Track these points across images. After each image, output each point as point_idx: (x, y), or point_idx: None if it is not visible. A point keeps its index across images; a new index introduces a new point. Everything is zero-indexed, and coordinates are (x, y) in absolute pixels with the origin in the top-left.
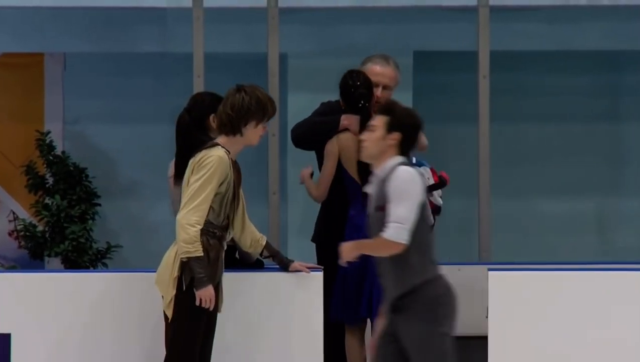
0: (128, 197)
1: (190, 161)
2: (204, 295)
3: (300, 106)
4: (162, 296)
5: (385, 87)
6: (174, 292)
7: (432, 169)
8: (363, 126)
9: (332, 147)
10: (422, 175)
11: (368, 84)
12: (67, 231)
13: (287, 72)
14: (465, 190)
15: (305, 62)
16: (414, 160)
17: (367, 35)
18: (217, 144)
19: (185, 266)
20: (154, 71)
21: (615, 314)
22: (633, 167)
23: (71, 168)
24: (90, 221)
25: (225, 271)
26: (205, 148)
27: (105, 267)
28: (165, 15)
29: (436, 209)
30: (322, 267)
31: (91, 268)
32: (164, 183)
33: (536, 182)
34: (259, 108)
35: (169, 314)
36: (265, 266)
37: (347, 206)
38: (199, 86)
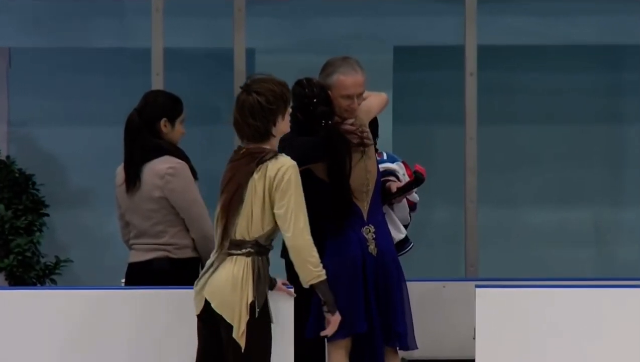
0: (79, 207)
1: (258, 177)
2: (336, 320)
3: None
4: (220, 319)
5: (359, 95)
6: (248, 318)
7: (404, 163)
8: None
9: None
10: (396, 171)
11: (326, 98)
12: (12, 244)
13: (255, 69)
14: (450, 198)
15: (275, 58)
16: (384, 155)
17: (342, 29)
18: (275, 152)
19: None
20: (109, 68)
21: (615, 335)
22: (634, 172)
23: (17, 175)
24: (37, 233)
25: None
26: (267, 159)
27: (54, 284)
28: (123, 7)
29: (413, 206)
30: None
31: (38, 285)
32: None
33: (528, 189)
34: (278, 101)
35: (242, 344)
36: None
37: (317, 219)
38: (158, 85)
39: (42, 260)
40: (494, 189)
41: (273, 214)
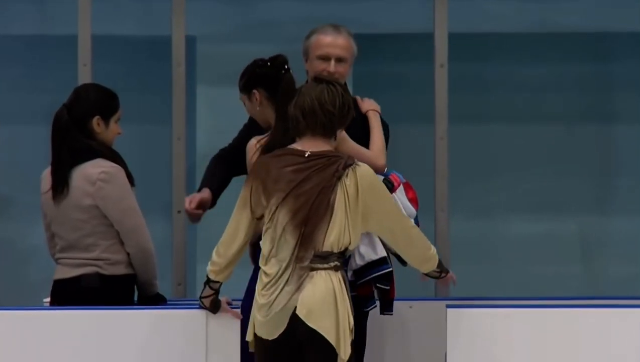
0: None
1: (350, 183)
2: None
3: (212, 102)
4: (310, 341)
5: (339, 60)
6: (351, 339)
7: (406, 184)
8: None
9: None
10: None
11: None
12: None
13: (196, 60)
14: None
15: (218, 48)
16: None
17: (294, 14)
18: (339, 155)
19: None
20: (28, 58)
21: (602, 359)
22: (626, 178)
23: None
24: None
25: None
26: (351, 163)
27: None
28: None
29: None
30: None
31: None
32: (39, 199)
33: (506, 197)
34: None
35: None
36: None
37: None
38: (85, 77)
39: None
40: (467, 197)
41: (362, 223)
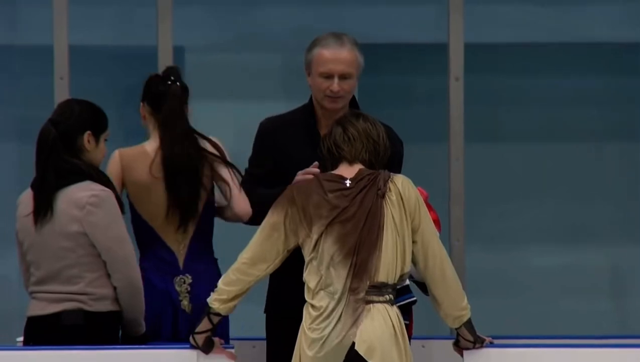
0: None
1: (395, 200)
2: None
3: (201, 116)
4: None
5: (343, 76)
6: None
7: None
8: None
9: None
10: None
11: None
12: None
13: (184, 71)
14: None
15: (209, 58)
16: None
17: (294, 22)
18: (374, 171)
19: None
20: None
21: None
22: None
23: None
24: None
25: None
26: (389, 177)
27: None
28: None
29: None
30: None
31: None
32: (9, 225)
33: (528, 224)
34: None
35: None
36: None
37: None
38: (62, 91)
39: None
40: (483, 224)
41: (412, 237)
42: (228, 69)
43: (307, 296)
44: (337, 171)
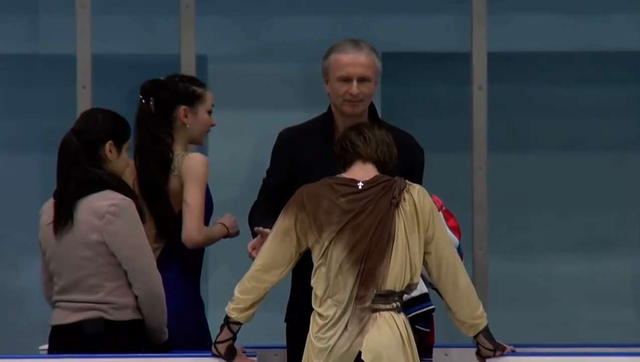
0: None
1: (409, 209)
2: None
3: (225, 128)
4: None
5: (362, 80)
6: None
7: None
8: None
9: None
10: None
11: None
12: None
13: (207, 81)
14: None
15: (232, 68)
16: None
17: (315, 31)
18: (391, 178)
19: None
20: (18, 80)
21: None
22: None
23: None
24: None
25: (139, 356)
26: (405, 186)
27: None
28: (36, 3)
29: None
30: (254, 355)
31: None
32: (31, 236)
33: (552, 233)
34: None
35: None
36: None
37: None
38: (84, 100)
39: None
40: (506, 233)
41: (424, 248)
42: (250, 78)
43: (314, 304)
44: (349, 172)
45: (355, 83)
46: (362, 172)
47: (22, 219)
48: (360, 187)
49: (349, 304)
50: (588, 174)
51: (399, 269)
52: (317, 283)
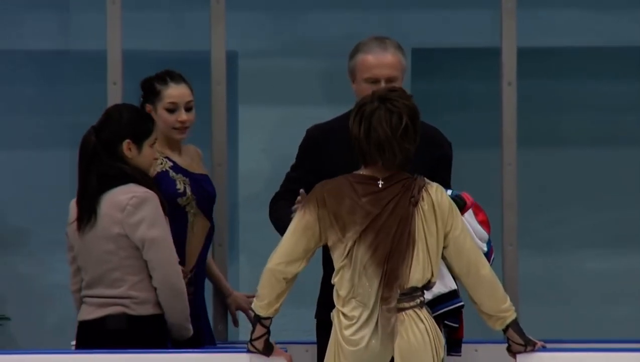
0: (16, 251)
1: (428, 208)
2: None
3: (254, 122)
4: None
5: (388, 80)
6: None
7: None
8: None
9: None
10: None
11: None
12: None
13: (237, 77)
14: None
15: (262, 64)
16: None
17: (347, 26)
18: (409, 177)
19: None
20: (50, 76)
21: None
22: None
23: None
24: None
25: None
26: (424, 184)
27: None
28: (67, 1)
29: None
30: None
31: None
32: (62, 231)
33: (582, 229)
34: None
35: None
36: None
37: None
38: (114, 96)
39: None
40: (535, 229)
41: (441, 246)
42: (281, 74)
43: (337, 303)
44: (368, 170)
45: (383, 84)
46: (381, 170)
47: (52, 216)
48: (380, 185)
49: (375, 305)
50: (618, 169)
51: (420, 266)
52: (341, 283)
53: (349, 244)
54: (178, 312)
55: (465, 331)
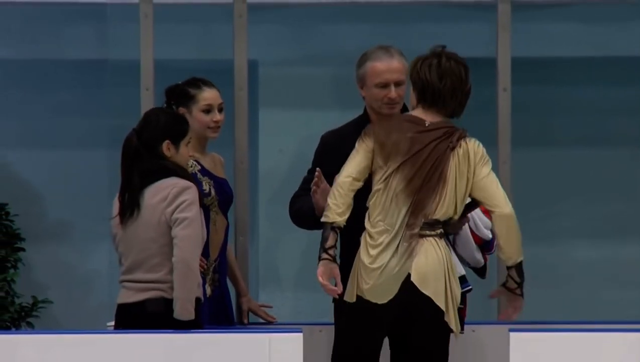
0: (58, 241)
1: (462, 155)
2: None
3: (274, 126)
4: (422, 306)
5: (397, 84)
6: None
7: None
8: None
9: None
10: None
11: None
12: None
13: (258, 84)
14: None
15: (281, 71)
16: None
17: (357, 38)
18: (453, 126)
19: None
20: (89, 83)
21: None
22: None
23: None
24: (12, 270)
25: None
26: (464, 136)
27: (31, 328)
28: (104, 13)
29: (484, 245)
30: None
31: (13, 329)
32: (100, 224)
33: (572, 222)
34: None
35: (456, 328)
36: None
37: None
38: (147, 101)
39: (18, 301)
40: (531, 222)
41: (469, 191)
42: (297, 81)
43: (367, 223)
44: (418, 112)
45: (392, 88)
46: (430, 115)
47: (91, 209)
48: (426, 125)
49: (400, 229)
50: (605, 168)
51: (445, 204)
52: (374, 205)
53: (389, 171)
54: (185, 289)
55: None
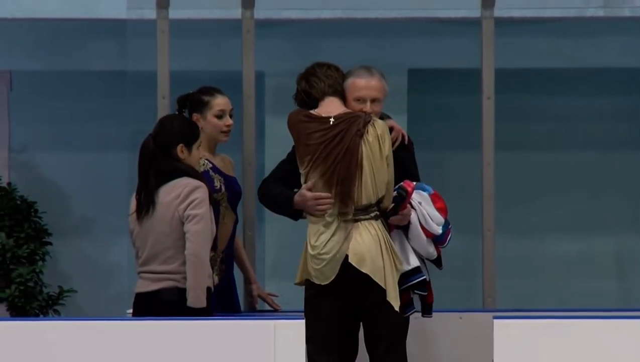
0: (82, 236)
1: (372, 138)
2: None
3: (279, 132)
4: (364, 286)
5: (373, 100)
6: (397, 280)
7: (434, 195)
8: None
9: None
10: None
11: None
12: (13, 273)
13: (264, 94)
14: (466, 227)
15: (285, 82)
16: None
17: (355, 51)
18: (357, 114)
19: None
20: (111, 92)
21: None
22: None
23: (18, 202)
24: (40, 263)
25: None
26: (369, 120)
27: (58, 315)
28: (124, 28)
29: (436, 239)
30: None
31: (41, 316)
32: (121, 220)
33: (547, 218)
34: None
35: (396, 305)
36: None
37: None
38: (163, 109)
39: (45, 290)
40: (511, 218)
41: (389, 173)
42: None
43: (309, 218)
44: (320, 110)
45: (368, 103)
46: (331, 106)
47: (112, 206)
48: (331, 123)
49: (335, 219)
50: (578, 169)
51: (370, 187)
52: None
53: (307, 170)
54: (197, 279)
55: (450, 301)
